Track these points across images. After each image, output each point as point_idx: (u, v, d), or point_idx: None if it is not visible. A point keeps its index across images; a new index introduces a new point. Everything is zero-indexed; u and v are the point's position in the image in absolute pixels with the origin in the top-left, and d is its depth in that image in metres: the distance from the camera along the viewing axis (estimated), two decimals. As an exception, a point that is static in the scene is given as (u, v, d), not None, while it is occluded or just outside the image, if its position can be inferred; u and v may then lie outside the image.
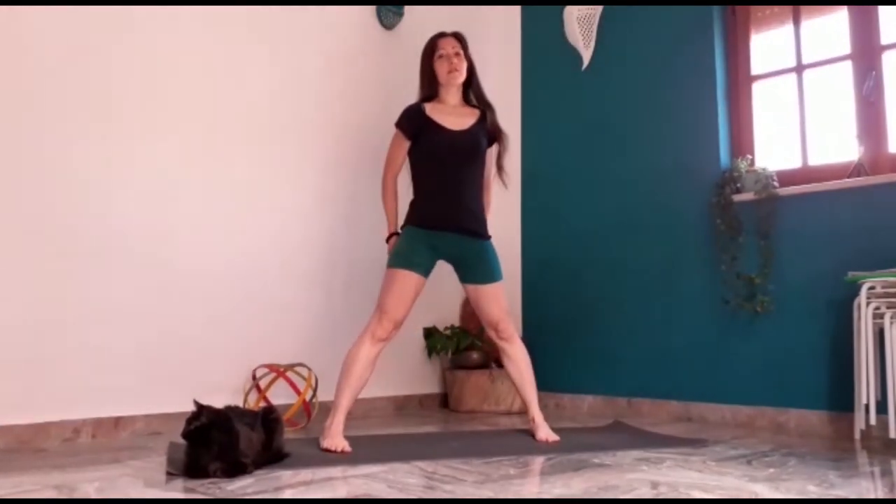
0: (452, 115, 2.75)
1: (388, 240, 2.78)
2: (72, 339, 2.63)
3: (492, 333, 2.79)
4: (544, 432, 2.66)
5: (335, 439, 2.41)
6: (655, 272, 3.53)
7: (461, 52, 2.78)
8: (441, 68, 2.76)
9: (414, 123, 2.72)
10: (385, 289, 2.62)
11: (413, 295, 2.63)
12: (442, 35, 2.83)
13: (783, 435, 2.85)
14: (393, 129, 2.79)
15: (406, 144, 2.75)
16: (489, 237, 2.78)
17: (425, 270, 2.66)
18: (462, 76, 2.77)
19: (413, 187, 2.78)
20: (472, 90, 2.83)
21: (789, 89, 3.31)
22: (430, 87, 2.79)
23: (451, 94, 2.79)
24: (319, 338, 3.31)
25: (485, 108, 2.82)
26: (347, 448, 2.37)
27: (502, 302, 2.76)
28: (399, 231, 2.74)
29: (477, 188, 2.77)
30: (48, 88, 2.64)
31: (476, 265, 2.73)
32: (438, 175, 2.70)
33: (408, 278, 2.61)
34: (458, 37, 2.82)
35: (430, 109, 2.75)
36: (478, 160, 2.76)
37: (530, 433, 2.72)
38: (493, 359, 3.67)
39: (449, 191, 2.69)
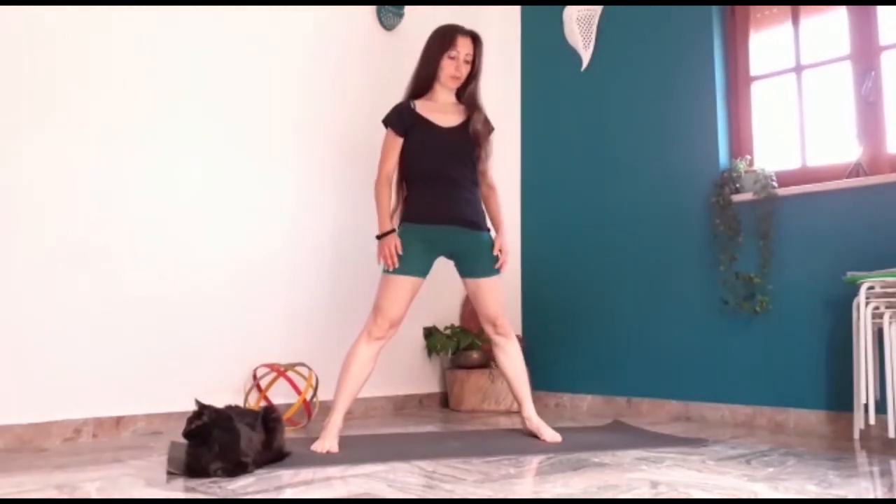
0: (442, 112, 2.72)
1: (380, 237, 2.63)
2: (73, 338, 2.63)
3: (489, 329, 2.78)
4: (549, 434, 2.64)
5: (324, 441, 2.40)
6: (655, 272, 3.53)
7: (471, 57, 2.72)
8: (447, 69, 2.70)
9: (405, 120, 2.68)
10: (381, 292, 2.62)
11: (409, 297, 2.62)
12: (461, 32, 2.72)
13: (782, 434, 2.85)
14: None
15: (398, 142, 2.70)
16: (487, 229, 2.76)
17: (422, 272, 2.65)
18: (459, 83, 2.74)
19: (406, 184, 2.75)
20: (467, 91, 2.76)
21: (788, 89, 3.32)
22: (428, 80, 2.74)
23: (445, 92, 2.76)
24: (320, 337, 3.32)
25: (472, 109, 2.75)
26: (334, 449, 2.36)
27: (500, 297, 2.76)
28: (394, 228, 2.65)
29: (472, 182, 2.73)
30: (47, 93, 2.65)
31: (474, 258, 2.71)
32: (431, 170, 2.67)
33: (404, 282, 2.60)
34: (476, 39, 2.74)
35: (420, 107, 2.71)
36: (470, 155, 2.73)
37: (525, 432, 2.72)
38: (493, 358, 3.67)
39: (442, 185, 2.66)
